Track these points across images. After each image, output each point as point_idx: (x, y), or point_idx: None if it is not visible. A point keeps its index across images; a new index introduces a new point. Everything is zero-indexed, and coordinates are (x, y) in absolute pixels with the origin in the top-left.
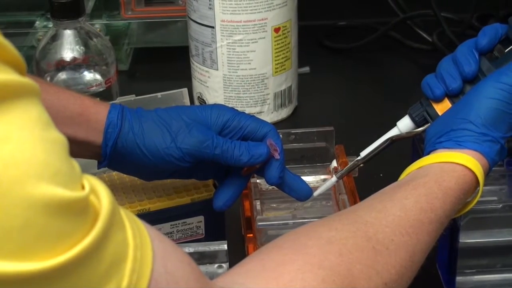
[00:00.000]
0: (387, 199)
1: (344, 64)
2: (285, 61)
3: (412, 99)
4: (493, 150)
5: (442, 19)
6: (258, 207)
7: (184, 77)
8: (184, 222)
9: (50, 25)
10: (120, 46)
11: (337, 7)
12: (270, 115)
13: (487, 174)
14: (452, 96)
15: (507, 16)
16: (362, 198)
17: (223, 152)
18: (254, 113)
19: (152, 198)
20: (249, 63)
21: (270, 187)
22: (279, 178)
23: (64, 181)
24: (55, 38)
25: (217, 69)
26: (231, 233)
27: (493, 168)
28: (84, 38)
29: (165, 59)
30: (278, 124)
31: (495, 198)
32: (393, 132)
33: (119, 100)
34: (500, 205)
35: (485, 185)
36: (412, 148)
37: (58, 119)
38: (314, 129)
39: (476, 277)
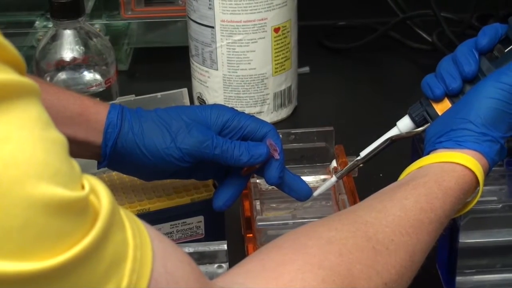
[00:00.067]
0: (387, 199)
1: (344, 64)
2: (284, 61)
3: (412, 99)
4: (493, 150)
5: (441, 19)
6: (258, 207)
7: (184, 77)
8: (184, 222)
9: (50, 25)
10: (120, 46)
11: (336, 7)
12: (270, 115)
13: (487, 174)
14: (452, 96)
15: (507, 16)
16: (362, 198)
17: (223, 152)
18: (254, 113)
19: (151, 198)
20: (249, 63)
21: (270, 187)
22: (279, 178)
23: (64, 181)
24: (55, 38)
25: (217, 69)
26: (231, 233)
27: (493, 168)
28: (84, 38)
29: (165, 59)
30: (278, 124)
31: (495, 198)
32: (393, 132)
33: (119, 100)
34: (500, 205)
35: (485, 185)
36: (412, 148)
37: (58, 119)
38: (314, 129)
39: (476, 277)
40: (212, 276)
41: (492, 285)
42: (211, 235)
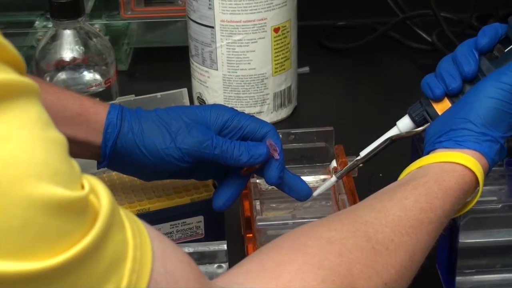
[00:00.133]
0: (387, 199)
1: (344, 64)
2: (284, 61)
3: (411, 99)
4: (493, 150)
5: (441, 19)
6: (258, 207)
7: (183, 77)
8: (183, 222)
9: (50, 25)
10: (120, 46)
11: (336, 7)
12: (269, 115)
13: (487, 174)
14: (452, 95)
15: (506, 15)
16: (361, 198)
17: (223, 152)
18: (254, 113)
19: (151, 198)
20: (249, 63)
21: (270, 187)
22: (279, 178)
23: (63, 181)
24: (55, 38)
25: (217, 69)
26: (230, 233)
27: (493, 168)
28: (84, 38)
29: (164, 59)
30: (277, 124)
31: (495, 198)
32: (392, 132)
33: (118, 100)
34: (500, 205)
35: (484, 185)
36: (412, 148)
37: (58, 119)
38: (314, 129)
39: (475, 277)
40: (212, 276)
41: (492, 285)
42: (211, 235)
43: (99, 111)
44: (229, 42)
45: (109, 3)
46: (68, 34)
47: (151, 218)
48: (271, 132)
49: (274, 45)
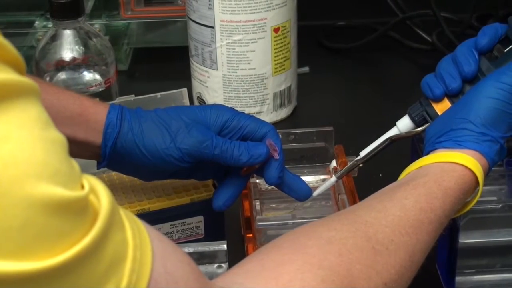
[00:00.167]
0: (387, 199)
1: (344, 64)
2: (284, 61)
3: (411, 99)
4: (493, 150)
5: (441, 19)
6: (258, 207)
7: (183, 77)
8: (183, 222)
9: (50, 25)
10: (120, 46)
11: (336, 7)
12: (269, 115)
13: (486, 174)
14: (452, 96)
15: (506, 15)
16: (361, 198)
17: (223, 152)
18: (254, 113)
19: (151, 198)
20: (249, 63)
21: (270, 187)
22: (279, 178)
23: (63, 181)
24: (55, 38)
25: (217, 69)
26: (230, 233)
27: (493, 168)
28: (84, 38)
29: (164, 59)
30: (277, 124)
31: (495, 198)
32: (392, 132)
33: (118, 100)
34: (500, 205)
35: (484, 185)
36: (412, 148)
37: (58, 119)
38: (314, 129)
39: (475, 277)
40: (211, 276)
41: (492, 285)
42: (210, 235)
43: (99, 111)
44: (229, 42)
45: (109, 3)
46: (68, 34)
47: (151, 218)
48: (271, 132)
49: (274, 45)
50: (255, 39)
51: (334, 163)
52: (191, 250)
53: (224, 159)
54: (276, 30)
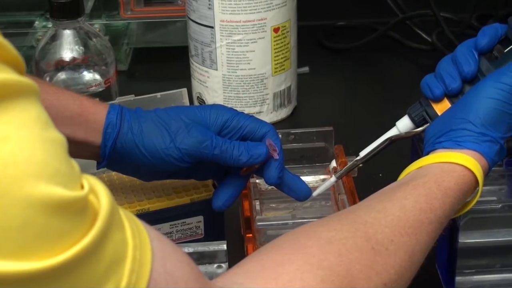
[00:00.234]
0: (387, 199)
1: (344, 64)
2: (284, 61)
3: (411, 99)
4: (493, 150)
5: (441, 19)
6: (258, 207)
7: (183, 77)
8: (183, 222)
9: (50, 25)
10: (120, 46)
11: (336, 7)
12: (269, 115)
13: (486, 174)
14: (452, 96)
15: (506, 16)
16: (361, 198)
17: (222, 152)
18: (254, 113)
19: (151, 198)
20: (249, 63)
21: (270, 187)
22: (278, 178)
23: (63, 181)
24: (55, 38)
25: (217, 69)
26: (230, 233)
27: (493, 168)
28: (84, 38)
29: (164, 59)
30: (277, 124)
31: (495, 198)
32: (392, 132)
33: (118, 100)
34: (500, 205)
35: (484, 185)
36: (412, 148)
37: (58, 119)
38: (314, 129)
39: (475, 277)
40: (211, 276)
41: (491, 285)
42: (210, 235)
43: (98, 111)
44: (228, 42)
45: (108, 3)
46: (68, 34)
47: (151, 218)
48: (270, 132)
49: (274, 45)
50: (255, 39)
51: (334, 163)
52: (191, 250)
53: (223, 159)
54: (276, 30)
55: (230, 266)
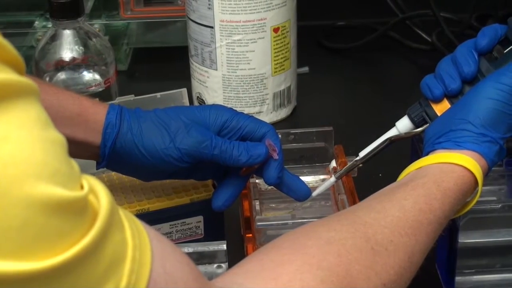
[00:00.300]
0: (386, 199)
1: (343, 64)
2: (284, 61)
3: (411, 100)
4: (492, 150)
5: (441, 19)
6: (257, 207)
7: (183, 77)
8: (183, 222)
9: (49, 25)
10: (119, 46)
11: (336, 7)
12: (269, 115)
13: (486, 174)
14: (451, 96)
15: (506, 16)
16: (361, 198)
17: (222, 153)
18: (253, 113)
19: (151, 198)
20: (248, 63)
21: (269, 187)
22: (278, 178)
23: (63, 181)
24: (54, 38)
25: (216, 69)
26: (230, 233)
27: (492, 168)
28: (83, 38)
29: (164, 59)
30: (277, 124)
31: (494, 198)
32: (392, 133)
33: (118, 100)
34: (499, 205)
35: (484, 185)
36: (411, 148)
37: (57, 119)
38: (313, 129)
39: (475, 277)
40: (211, 276)
41: (491, 285)
42: (210, 235)
43: (98, 111)
44: (228, 42)
45: (108, 3)
46: (67, 34)
47: (151, 218)
48: (270, 132)
49: (274, 45)
50: (254, 39)
51: (333, 163)
52: (190, 250)
53: (223, 159)
54: (275, 30)
55: (230, 266)
